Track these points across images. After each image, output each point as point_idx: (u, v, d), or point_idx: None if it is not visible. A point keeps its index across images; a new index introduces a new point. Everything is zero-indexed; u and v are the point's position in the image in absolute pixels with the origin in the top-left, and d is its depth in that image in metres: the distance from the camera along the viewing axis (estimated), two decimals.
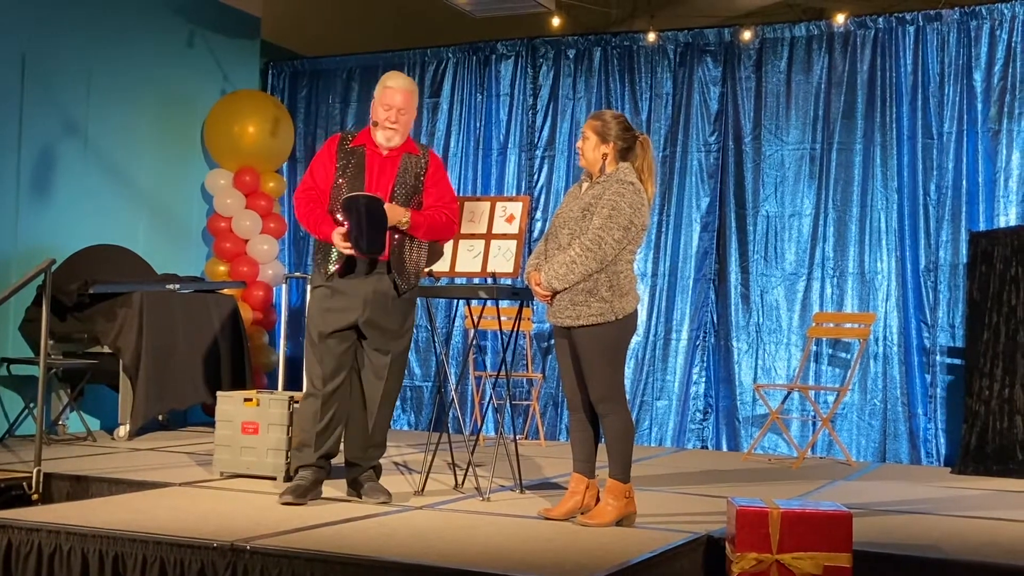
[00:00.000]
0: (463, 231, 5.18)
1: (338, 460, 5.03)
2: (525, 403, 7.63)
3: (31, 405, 6.55)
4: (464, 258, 5.14)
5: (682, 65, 7.68)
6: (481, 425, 6.79)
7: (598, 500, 4.51)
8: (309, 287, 4.99)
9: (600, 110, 4.64)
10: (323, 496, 4.89)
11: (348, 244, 4.63)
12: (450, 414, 5.77)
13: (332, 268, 4.74)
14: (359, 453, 4.88)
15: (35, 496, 5.12)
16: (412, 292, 4.86)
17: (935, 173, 7.01)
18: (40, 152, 7.13)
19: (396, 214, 4.68)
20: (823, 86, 7.32)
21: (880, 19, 7.24)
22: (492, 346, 7.94)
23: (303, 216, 4.86)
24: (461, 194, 8.07)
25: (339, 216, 4.67)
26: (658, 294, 7.60)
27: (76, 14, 7.34)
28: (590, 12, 9.13)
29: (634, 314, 4.48)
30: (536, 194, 7.96)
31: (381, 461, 5.03)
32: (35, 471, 5.16)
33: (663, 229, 7.61)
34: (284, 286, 7.96)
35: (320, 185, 4.83)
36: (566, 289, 4.39)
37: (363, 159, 4.80)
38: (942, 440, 6.85)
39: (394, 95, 4.76)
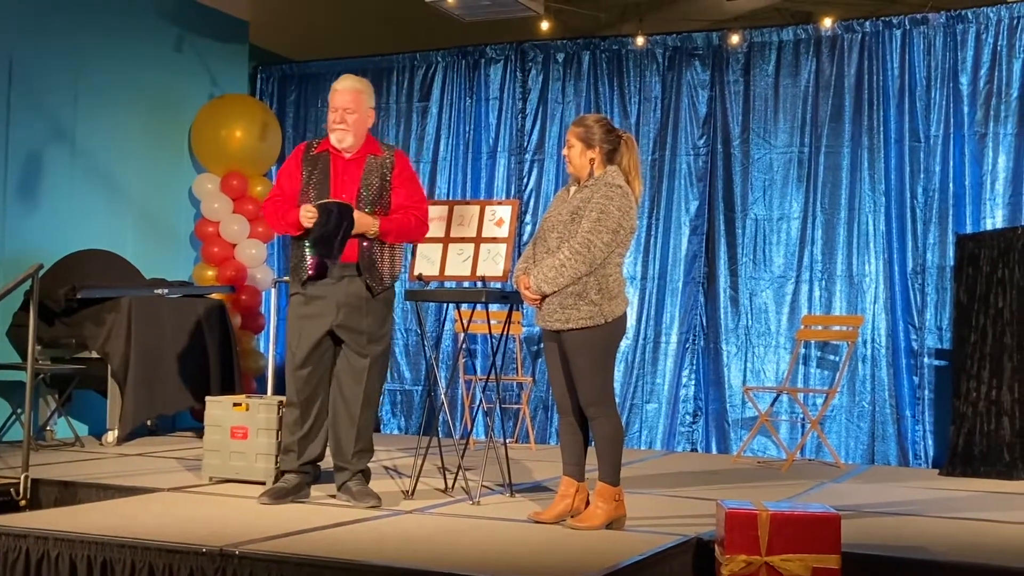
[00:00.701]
0: (453, 235, 5.18)
1: (328, 464, 5.03)
2: (515, 407, 7.63)
3: (19, 411, 6.52)
4: (454, 262, 5.14)
5: (670, 69, 7.69)
6: (471, 429, 6.78)
7: (588, 503, 4.51)
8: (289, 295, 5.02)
9: (582, 115, 4.64)
10: (312, 500, 4.89)
11: (312, 215, 4.65)
12: (440, 418, 5.76)
13: (304, 275, 4.76)
14: (346, 458, 4.88)
15: (23, 502, 5.10)
16: (388, 294, 4.89)
17: (922, 176, 7.04)
18: (27, 156, 7.11)
19: (365, 223, 4.73)
20: (811, 90, 7.35)
21: (867, 23, 7.27)
22: (482, 350, 7.94)
23: (272, 218, 4.91)
24: (450, 198, 8.08)
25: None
26: (647, 297, 7.61)
27: (63, 18, 7.32)
28: (579, 16, 9.15)
29: (623, 317, 4.49)
30: (525, 198, 7.97)
31: (370, 465, 5.03)
32: (23, 477, 5.14)
33: (652, 232, 7.62)
34: (273, 290, 7.95)
35: (287, 193, 4.87)
36: (555, 293, 4.40)
37: (327, 164, 4.85)
38: (930, 442, 6.87)
39: (341, 96, 4.85)
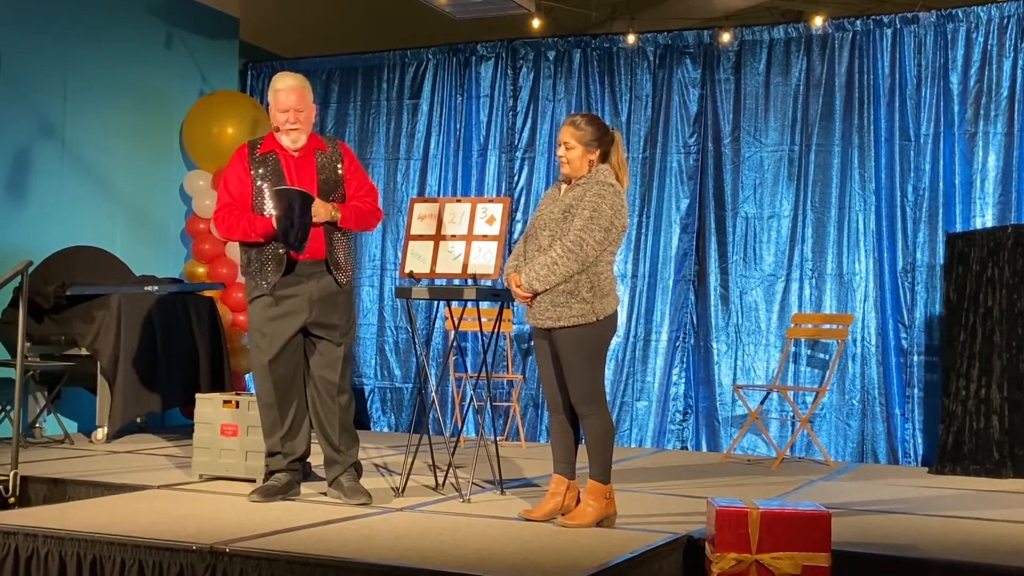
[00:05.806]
0: (444, 232, 5.18)
1: (319, 460, 5.03)
2: (505, 404, 7.63)
3: (8, 407, 6.50)
4: (445, 259, 5.14)
5: (661, 67, 7.70)
6: (461, 426, 6.78)
7: (579, 501, 4.52)
8: (247, 299, 4.94)
9: (573, 117, 4.61)
10: (303, 497, 4.89)
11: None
12: (430, 416, 5.76)
13: (274, 277, 4.75)
14: (336, 447, 4.89)
15: (12, 499, 5.08)
16: (350, 285, 4.94)
17: (912, 175, 7.06)
18: (16, 154, 7.08)
19: (326, 210, 4.74)
20: (801, 88, 7.36)
21: (858, 21, 7.28)
22: (472, 347, 7.94)
23: (229, 229, 4.82)
24: (441, 195, 8.07)
25: (269, 210, 4.71)
26: (638, 295, 7.61)
27: (52, 14, 7.29)
28: (570, 14, 9.14)
29: (614, 315, 4.49)
30: (516, 195, 7.97)
31: (362, 462, 5.03)
32: (12, 474, 5.12)
33: (643, 230, 7.63)
34: None
35: (238, 199, 4.83)
36: (546, 291, 4.40)
37: (278, 163, 4.84)
38: (919, 440, 6.89)
39: (287, 96, 4.82)
